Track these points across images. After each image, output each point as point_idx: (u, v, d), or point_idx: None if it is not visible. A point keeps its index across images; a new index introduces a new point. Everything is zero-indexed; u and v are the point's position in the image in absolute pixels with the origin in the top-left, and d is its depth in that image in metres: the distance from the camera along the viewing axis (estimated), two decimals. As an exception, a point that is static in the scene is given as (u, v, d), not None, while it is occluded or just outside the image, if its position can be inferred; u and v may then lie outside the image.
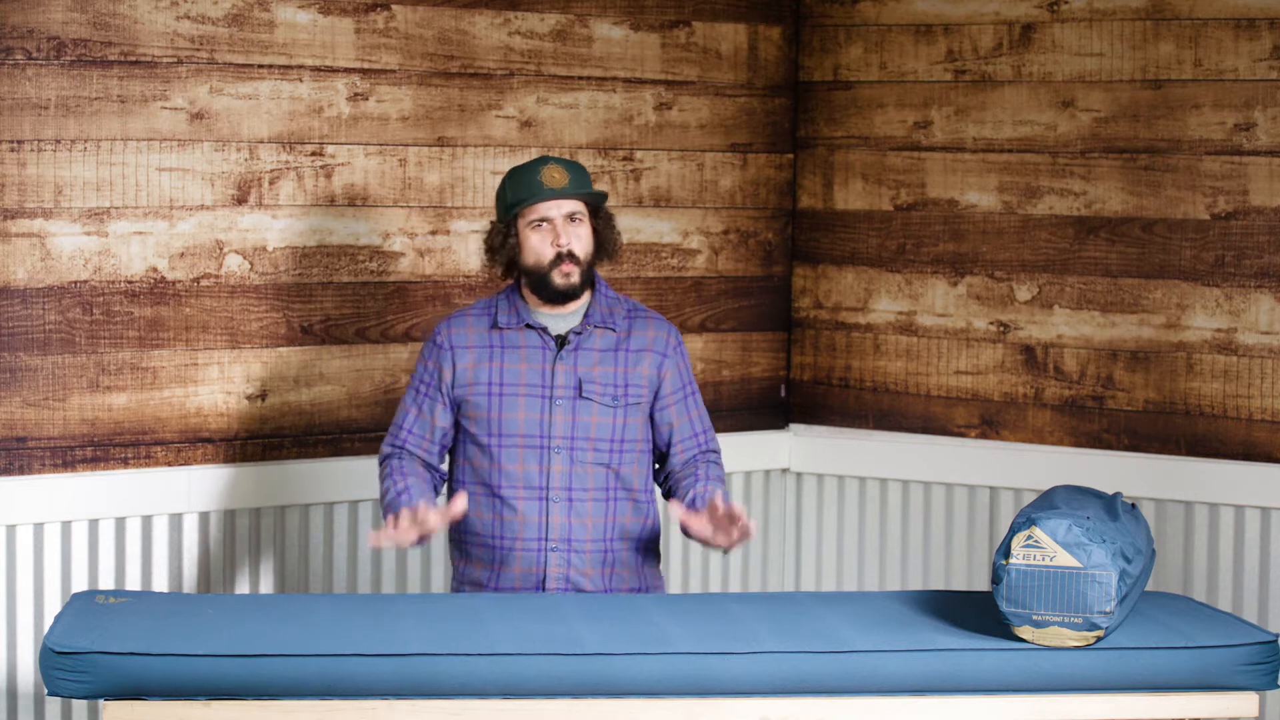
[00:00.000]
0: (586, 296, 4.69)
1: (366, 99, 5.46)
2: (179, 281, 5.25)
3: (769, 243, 6.15)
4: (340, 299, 5.48)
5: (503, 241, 4.67)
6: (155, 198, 5.20)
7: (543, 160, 4.64)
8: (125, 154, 5.16)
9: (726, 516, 4.46)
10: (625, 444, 4.66)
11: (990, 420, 5.93)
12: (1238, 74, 5.55)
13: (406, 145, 5.53)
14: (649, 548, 4.73)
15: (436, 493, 4.71)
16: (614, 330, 4.69)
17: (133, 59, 5.15)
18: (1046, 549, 4.08)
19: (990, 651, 4.10)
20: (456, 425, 4.70)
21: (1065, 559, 4.07)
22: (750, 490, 6.15)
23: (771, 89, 6.12)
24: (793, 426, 6.22)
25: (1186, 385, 5.65)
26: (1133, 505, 4.46)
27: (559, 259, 4.61)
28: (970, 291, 5.93)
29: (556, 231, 4.61)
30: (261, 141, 5.33)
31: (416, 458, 4.69)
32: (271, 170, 5.35)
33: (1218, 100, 5.58)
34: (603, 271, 5.81)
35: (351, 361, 5.51)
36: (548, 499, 4.60)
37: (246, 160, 5.31)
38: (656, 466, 4.81)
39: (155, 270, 5.22)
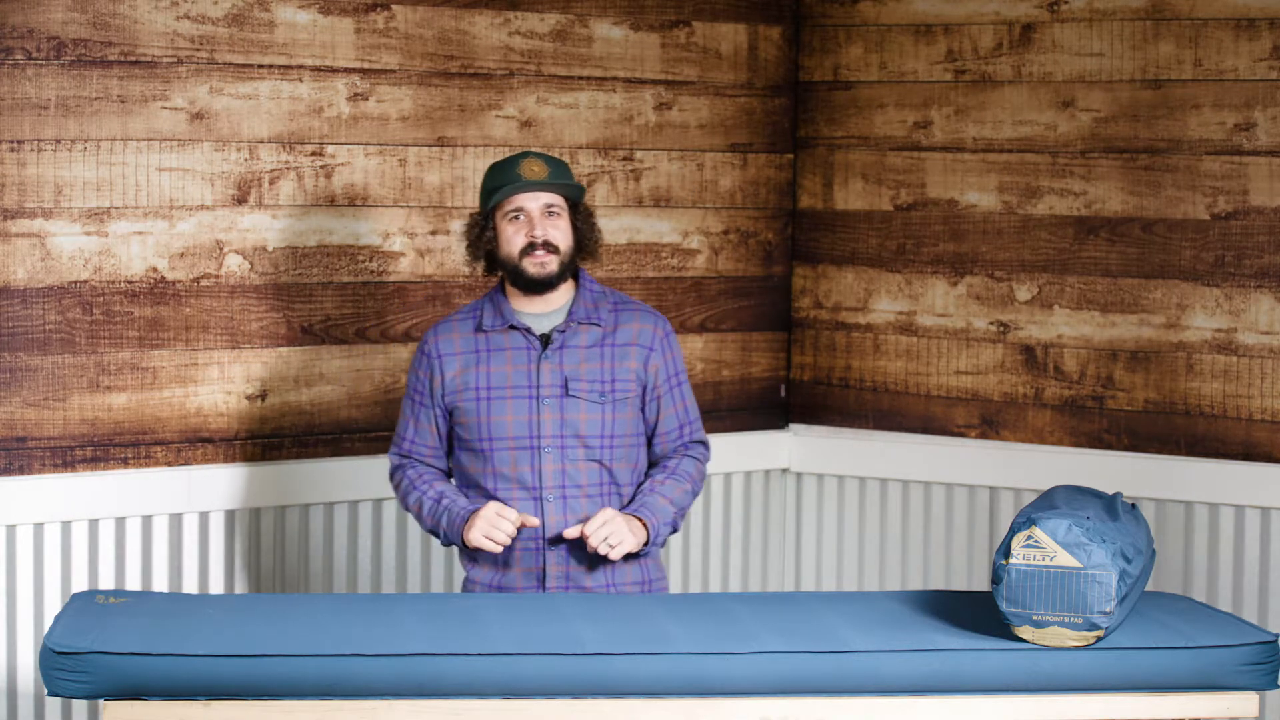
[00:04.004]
0: (569, 292, 4.68)
1: (366, 99, 5.46)
2: (179, 281, 5.25)
3: (769, 243, 6.15)
4: (340, 299, 5.48)
5: (480, 234, 4.67)
6: (155, 198, 5.20)
7: (524, 154, 4.64)
8: (125, 154, 5.16)
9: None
10: (615, 439, 4.65)
11: (990, 420, 5.93)
12: (1238, 74, 5.55)
13: (406, 145, 5.53)
14: None
15: None
16: (599, 325, 4.67)
17: (133, 59, 5.15)
18: (1046, 549, 4.08)
19: (990, 651, 4.10)
20: (451, 430, 4.71)
21: (1065, 559, 4.07)
22: (750, 490, 6.14)
23: (771, 89, 6.12)
24: (793, 426, 6.22)
25: (1186, 385, 5.65)
26: (1133, 505, 4.46)
27: (531, 248, 4.60)
28: (970, 291, 5.93)
29: (532, 223, 4.61)
30: (261, 141, 5.33)
31: (426, 464, 4.71)
32: (271, 170, 5.35)
33: (1218, 100, 5.57)
34: (597, 273, 5.81)
35: (351, 361, 5.51)
36: (542, 498, 4.60)
37: (246, 160, 5.31)
38: None
39: (155, 270, 5.22)
